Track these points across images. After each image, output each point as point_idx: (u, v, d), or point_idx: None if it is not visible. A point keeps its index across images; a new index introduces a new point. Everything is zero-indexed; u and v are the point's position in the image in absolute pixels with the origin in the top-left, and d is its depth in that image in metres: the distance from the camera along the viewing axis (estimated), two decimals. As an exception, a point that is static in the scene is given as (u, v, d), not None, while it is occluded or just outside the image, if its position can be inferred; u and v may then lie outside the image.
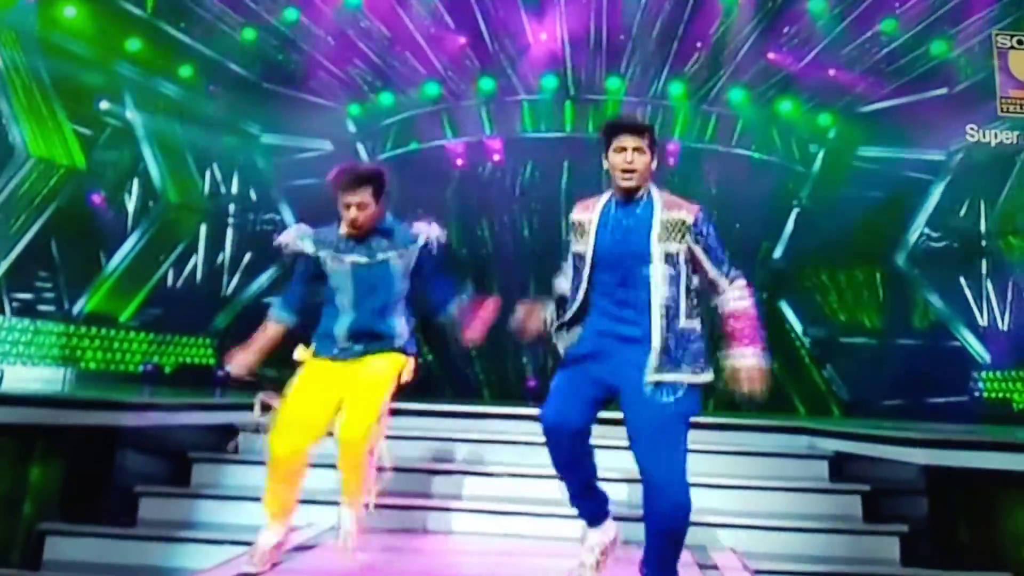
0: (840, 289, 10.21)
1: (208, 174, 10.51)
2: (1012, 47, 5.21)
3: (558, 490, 3.76)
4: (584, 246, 3.33)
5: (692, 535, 4.65)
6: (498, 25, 9.41)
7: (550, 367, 9.69)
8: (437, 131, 9.66)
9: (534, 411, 3.97)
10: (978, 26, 8.52)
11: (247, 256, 10.63)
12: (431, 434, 5.35)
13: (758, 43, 9.41)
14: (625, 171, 3.21)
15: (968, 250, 9.79)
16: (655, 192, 3.26)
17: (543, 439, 3.35)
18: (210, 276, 10.66)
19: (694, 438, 5.39)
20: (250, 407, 5.74)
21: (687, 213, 3.23)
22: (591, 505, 3.57)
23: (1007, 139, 5.41)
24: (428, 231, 3.93)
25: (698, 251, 3.22)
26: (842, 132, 9.88)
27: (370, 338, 3.89)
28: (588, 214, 3.33)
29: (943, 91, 9.18)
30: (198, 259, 10.58)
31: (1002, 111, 5.18)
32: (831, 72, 9.47)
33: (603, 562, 3.51)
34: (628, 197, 3.27)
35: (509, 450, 5.24)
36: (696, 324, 3.24)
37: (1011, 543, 4.24)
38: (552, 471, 3.45)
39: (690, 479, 4.68)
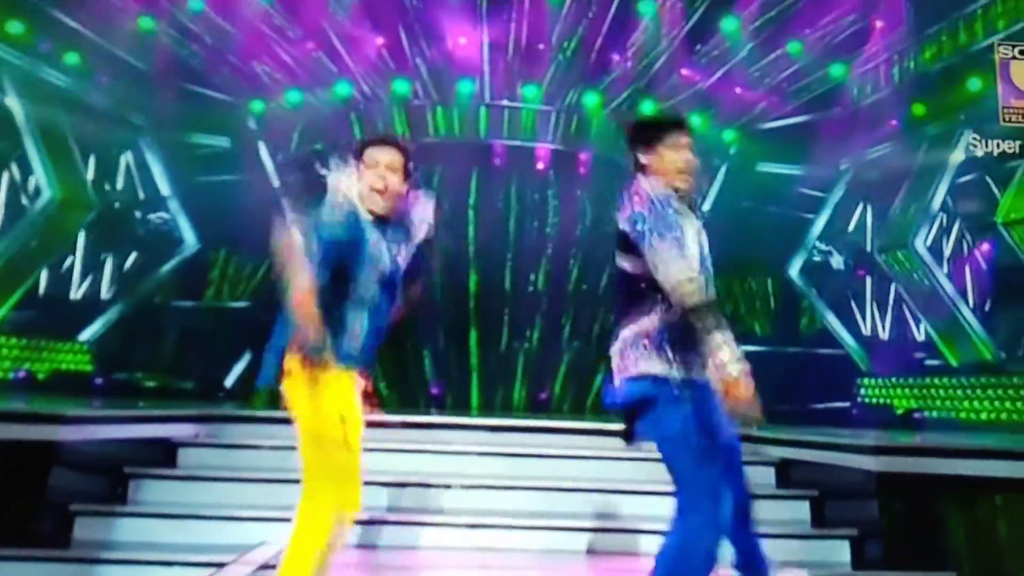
0: (735, 299, 10.64)
1: (94, 169, 9.96)
2: (1014, 57, 5.52)
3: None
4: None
5: (635, 542, 4.82)
6: (417, 28, 9.36)
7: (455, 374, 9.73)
8: (346, 132, 9.47)
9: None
10: (874, 53, 9.16)
11: (131, 257, 10.12)
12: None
13: (672, 58, 9.74)
14: (684, 172, 3.02)
15: (855, 263, 10.45)
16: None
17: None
18: (89, 278, 10.10)
19: (614, 445, 5.53)
20: (185, 419, 5.55)
21: None
22: None
23: (1009, 148, 5.75)
24: (429, 219, 3.35)
25: None
26: (744, 148, 10.37)
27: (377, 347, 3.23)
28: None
29: (838, 111, 9.75)
30: (76, 259, 10.00)
31: (1004, 120, 5.49)
32: (737, 90, 9.92)
33: None
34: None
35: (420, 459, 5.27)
36: None
37: (956, 544, 4.54)
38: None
39: (631, 486, 4.82)
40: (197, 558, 4.41)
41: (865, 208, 10.38)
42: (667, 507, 4.54)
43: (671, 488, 3.82)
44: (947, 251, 10.22)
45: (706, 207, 10.31)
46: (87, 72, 9.46)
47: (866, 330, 10.57)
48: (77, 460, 4.77)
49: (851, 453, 4.89)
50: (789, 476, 5.35)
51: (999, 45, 5.53)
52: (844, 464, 4.89)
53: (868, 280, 10.47)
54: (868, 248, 10.42)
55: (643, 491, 4.93)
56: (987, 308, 9.81)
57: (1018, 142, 5.57)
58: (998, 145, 5.72)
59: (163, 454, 5.22)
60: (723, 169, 10.50)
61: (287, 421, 5.56)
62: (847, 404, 9.82)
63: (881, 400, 9.95)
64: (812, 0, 8.78)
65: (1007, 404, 8.97)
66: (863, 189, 10.08)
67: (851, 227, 10.49)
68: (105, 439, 4.92)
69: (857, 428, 8.22)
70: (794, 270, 10.44)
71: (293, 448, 5.02)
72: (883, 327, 10.60)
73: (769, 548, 4.71)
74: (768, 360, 10.08)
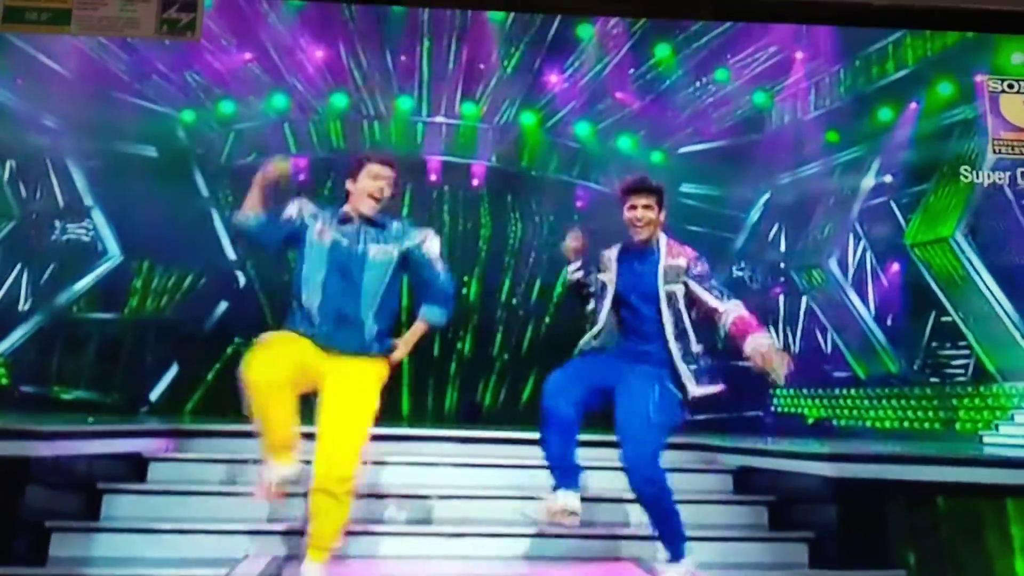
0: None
1: (7, 175, 9.72)
2: (1003, 91, 6.01)
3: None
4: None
5: (591, 549, 5.16)
6: (357, 41, 9.48)
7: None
8: (280, 144, 9.53)
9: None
10: (795, 82, 9.78)
11: (50, 268, 9.90)
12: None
13: (607, 81, 10.16)
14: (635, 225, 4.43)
15: (771, 281, 11.00)
16: (663, 241, 4.28)
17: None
18: (4, 289, 9.82)
19: (594, 455, 5.96)
20: (153, 433, 5.67)
21: (684, 259, 4.31)
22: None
23: (999, 179, 6.26)
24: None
25: (693, 286, 4.21)
26: (669, 168, 10.75)
27: None
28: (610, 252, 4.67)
29: (757, 136, 10.31)
30: (-9, 268, 9.73)
31: (994, 151, 5.97)
32: (667, 113, 10.41)
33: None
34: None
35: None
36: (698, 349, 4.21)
37: (904, 543, 5.02)
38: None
39: (591, 494, 5.28)
40: (171, 571, 4.55)
41: (781, 229, 10.94)
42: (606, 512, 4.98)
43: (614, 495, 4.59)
44: (856, 270, 10.82)
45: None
46: (4, 73, 9.23)
47: (779, 344, 11.12)
48: (50, 476, 4.84)
49: (812, 460, 5.37)
50: (747, 483, 5.89)
51: (988, 79, 6.07)
52: (804, 471, 5.37)
53: (782, 297, 11.01)
54: (782, 266, 10.98)
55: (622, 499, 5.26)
56: (891, 323, 10.46)
57: (1007, 173, 6.14)
58: (988, 176, 6.28)
59: (134, 469, 5.31)
60: (651, 189, 10.88)
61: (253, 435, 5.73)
62: (760, 413, 10.35)
63: (792, 409, 10.50)
64: (742, 30, 9.26)
65: (910, 413, 9.62)
66: (780, 211, 10.67)
67: (768, 247, 11.03)
68: (78, 455, 5.00)
69: (769, 436, 8.77)
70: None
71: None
72: (793, 340, 11.16)
73: (727, 550, 5.16)
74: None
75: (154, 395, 9.56)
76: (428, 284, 4.34)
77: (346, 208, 4.33)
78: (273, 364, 3.94)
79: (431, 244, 4.32)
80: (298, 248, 4.33)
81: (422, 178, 9.95)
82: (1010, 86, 5.98)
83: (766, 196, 10.65)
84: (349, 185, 4.36)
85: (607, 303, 4.40)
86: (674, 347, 4.31)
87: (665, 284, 4.41)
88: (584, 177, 10.56)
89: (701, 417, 9.68)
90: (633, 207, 4.44)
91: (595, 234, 10.14)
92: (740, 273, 10.99)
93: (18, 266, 9.87)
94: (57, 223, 9.99)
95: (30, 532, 4.51)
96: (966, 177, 6.32)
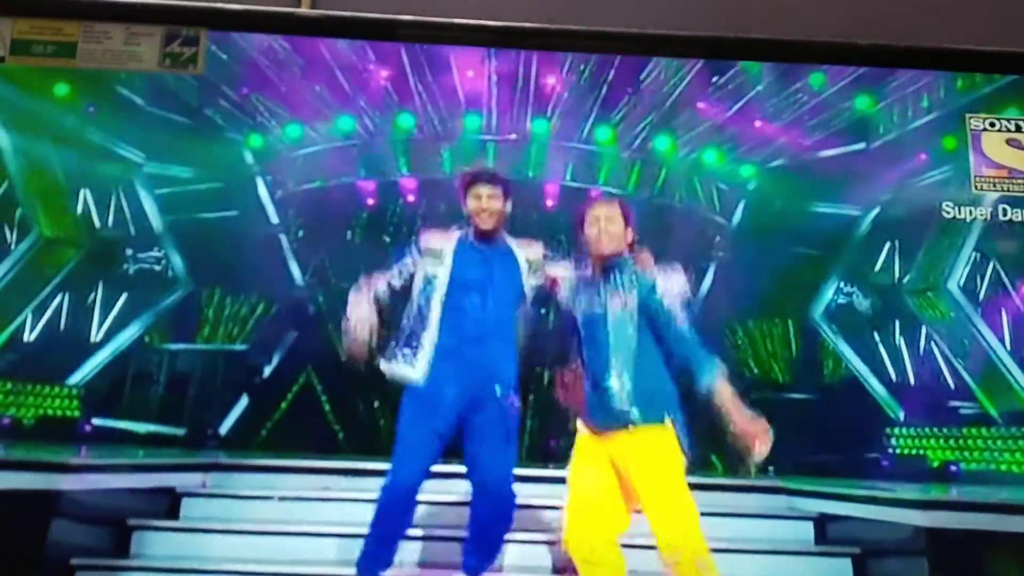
0: (754, 343, 10.91)
1: (83, 205, 10.32)
2: (985, 129, 6.10)
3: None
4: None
5: None
6: (422, 59, 9.71)
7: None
8: (349, 168, 9.87)
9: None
10: (902, 84, 9.49)
11: (122, 297, 10.47)
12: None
13: (686, 91, 10.03)
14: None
15: (883, 305, 10.67)
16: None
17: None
18: (77, 318, 10.41)
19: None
20: (189, 467, 5.91)
21: (537, 247, 4.34)
22: None
23: (981, 215, 6.29)
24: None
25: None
26: (762, 184, 10.67)
27: None
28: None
29: (861, 146, 10.08)
30: (64, 299, 10.33)
31: (976, 189, 6.06)
32: (756, 123, 10.20)
33: None
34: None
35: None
36: None
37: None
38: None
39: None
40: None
41: (893, 247, 10.66)
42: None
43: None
44: (982, 292, 10.43)
45: (722, 245, 10.74)
46: (76, 103, 9.81)
47: (895, 376, 10.80)
48: (77, 511, 5.09)
49: (899, 508, 5.14)
50: (827, 532, 5.74)
51: (970, 118, 6.14)
52: (888, 519, 5.13)
53: (896, 323, 10.70)
54: (896, 288, 10.66)
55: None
56: (1027, 353, 10.01)
57: (989, 209, 6.13)
58: (971, 212, 6.30)
59: (166, 505, 5.57)
60: (740, 206, 10.86)
61: (297, 471, 5.97)
62: (877, 455, 9.95)
63: (914, 451, 10.03)
64: (834, 32, 9.07)
65: (1052, 456, 9.07)
66: (890, 227, 10.40)
67: (877, 267, 10.75)
68: (106, 489, 5.26)
69: (889, 480, 8.46)
70: (817, 312, 10.71)
71: (303, 499, 5.44)
72: (913, 373, 10.82)
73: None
74: (789, 408, 10.19)
75: (224, 428, 9.95)
76: None
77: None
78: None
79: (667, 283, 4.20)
80: None
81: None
82: (992, 124, 6.00)
83: (875, 211, 10.39)
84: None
85: (435, 308, 4.23)
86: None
87: (531, 276, 4.37)
88: (667, 195, 10.59)
89: (810, 459, 9.68)
90: (478, 196, 4.45)
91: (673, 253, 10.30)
92: (845, 298, 10.75)
93: (90, 296, 10.49)
94: (128, 252, 10.53)
95: (54, 570, 4.77)
96: (948, 214, 6.38)
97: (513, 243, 4.29)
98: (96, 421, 9.64)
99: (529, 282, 4.23)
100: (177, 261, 10.36)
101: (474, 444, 4.10)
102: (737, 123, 10.26)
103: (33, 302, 9.92)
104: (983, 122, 6.21)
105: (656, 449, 3.77)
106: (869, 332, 10.71)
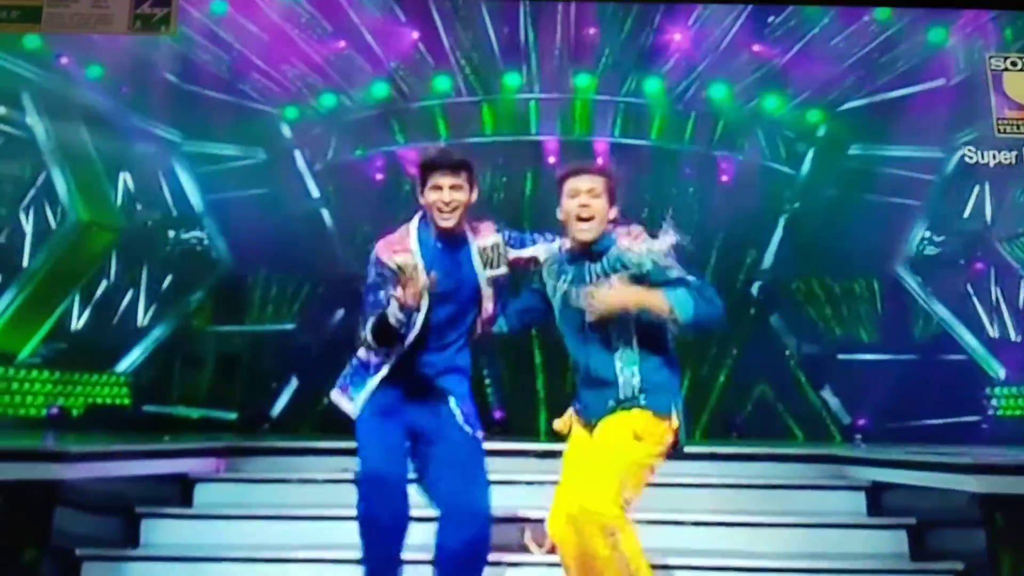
0: (835, 301, 10.57)
1: (122, 187, 10.53)
2: (1007, 69, 5.81)
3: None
4: None
5: None
6: (454, 17, 9.64)
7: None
8: (386, 136, 9.89)
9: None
10: (979, 12, 9.05)
11: (166, 280, 10.67)
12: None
13: (740, 34, 9.79)
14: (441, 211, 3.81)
15: (974, 255, 10.26)
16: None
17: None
18: (123, 304, 10.67)
19: (708, 470, 5.69)
20: (202, 452, 5.91)
21: (492, 233, 3.90)
22: None
23: (1005, 159, 5.99)
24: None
25: (514, 253, 3.91)
26: (832, 130, 10.27)
27: None
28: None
29: (940, 82, 9.66)
30: (108, 284, 10.57)
31: (999, 132, 5.78)
32: (819, 64, 9.85)
33: None
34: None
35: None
36: None
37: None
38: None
39: (705, 516, 5.01)
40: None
41: (982, 191, 10.21)
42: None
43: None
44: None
45: (792, 197, 10.49)
46: (109, 84, 10.00)
47: (993, 332, 10.36)
48: (83, 500, 5.12)
49: (955, 473, 4.74)
50: (881, 502, 5.40)
51: (991, 57, 5.80)
52: (946, 487, 4.77)
53: (991, 274, 10.27)
54: (988, 235, 10.21)
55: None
56: None
57: (1014, 152, 5.79)
58: (994, 156, 5.98)
59: (179, 491, 5.59)
60: (809, 155, 10.49)
61: (315, 452, 5.90)
62: (977, 418, 9.57)
63: (1018, 412, 9.59)
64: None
65: None
66: (979, 169, 9.94)
67: (966, 213, 10.32)
68: (115, 477, 5.29)
69: (990, 445, 8.12)
70: (902, 266, 10.34)
71: (323, 481, 5.39)
72: (1015, 327, 10.35)
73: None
74: (879, 370, 9.99)
75: (275, 411, 10.08)
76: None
77: (565, 244, 3.85)
78: None
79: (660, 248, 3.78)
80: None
81: (539, 162, 9.98)
82: (1013, 64, 5.64)
83: (958, 154, 9.95)
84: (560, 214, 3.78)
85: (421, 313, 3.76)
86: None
87: (488, 269, 3.87)
88: (727, 147, 10.35)
89: (901, 424, 9.36)
90: (438, 187, 3.78)
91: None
92: (931, 248, 10.35)
93: (134, 280, 10.69)
94: (171, 233, 10.72)
95: (59, 561, 4.83)
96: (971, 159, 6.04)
97: (468, 231, 3.84)
98: (147, 408, 9.87)
99: (486, 275, 3.79)
100: (219, 241, 10.47)
101: (437, 463, 3.79)
102: (799, 65, 9.92)
103: (75, 289, 10.17)
104: (1004, 61, 5.89)
105: (607, 436, 3.52)
106: (961, 284, 10.23)
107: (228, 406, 9.92)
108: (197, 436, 7.33)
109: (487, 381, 9.89)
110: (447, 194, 3.71)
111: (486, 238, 3.86)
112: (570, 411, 3.82)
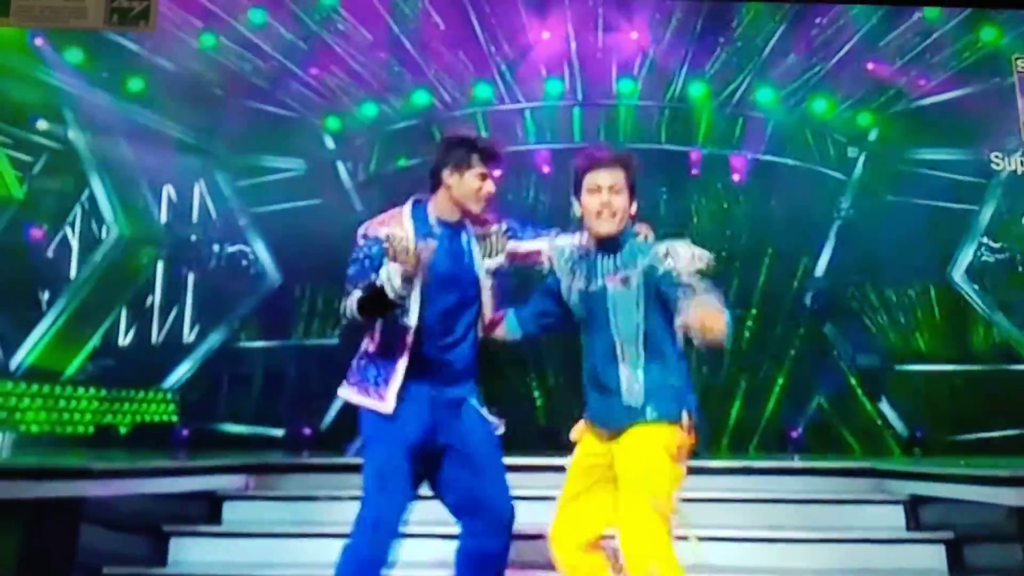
0: (890, 310, 10.21)
1: (164, 201, 10.48)
2: None
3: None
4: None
5: None
6: (494, 24, 9.51)
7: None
8: (428, 145, 9.67)
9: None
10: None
11: (211, 295, 10.55)
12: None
13: (786, 36, 9.63)
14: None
15: (1033, 261, 9.88)
16: None
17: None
18: (168, 319, 10.52)
19: (742, 485, 5.44)
20: (231, 469, 5.69)
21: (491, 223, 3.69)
22: None
23: None
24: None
25: (512, 244, 3.69)
26: (884, 133, 10.01)
27: None
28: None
29: (996, 81, 9.28)
30: (154, 300, 10.45)
31: None
32: (869, 66, 9.68)
33: None
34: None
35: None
36: None
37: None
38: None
39: (740, 532, 4.75)
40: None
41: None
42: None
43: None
44: None
45: (844, 204, 10.12)
46: (152, 98, 9.91)
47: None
48: (111, 518, 4.97)
49: (991, 486, 4.61)
50: (919, 516, 5.26)
51: (1017, 59, 5.46)
52: (982, 500, 4.65)
53: (1050, 280, 9.84)
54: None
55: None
56: None
57: None
58: (1021, 163, 5.65)
59: (207, 509, 5.41)
60: (861, 159, 10.17)
61: (345, 469, 5.68)
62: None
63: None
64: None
65: None
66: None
67: (1025, 219, 9.90)
68: (142, 494, 5.13)
69: None
70: (958, 273, 9.93)
71: (350, 499, 5.13)
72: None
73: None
74: (937, 381, 9.78)
75: (323, 426, 9.88)
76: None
77: (580, 239, 3.62)
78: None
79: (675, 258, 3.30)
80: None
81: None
82: None
83: (1018, 155, 9.53)
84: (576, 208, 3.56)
85: (415, 310, 3.50)
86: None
87: (487, 259, 3.57)
88: (775, 151, 10.01)
89: (960, 437, 8.99)
90: (483, 176, 3.57)
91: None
92: (989, 255, 9.91)
93: (179, 295, 10.58)
94: (215, 247, 10.61)
95: None
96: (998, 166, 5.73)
97: (468, 223, 3.54)
98: (194, 425, 9.72)
99: (484, 265, 3.48)
100: (264, 255, 10.30)
101: (467, 472, 3.48)
102: (847, 67, 9.72)
103: (121, 304, 10.11)
104: None
105: (643, 458, 3.20)
106: (1020, 293, 9.81)
107: (275, 423, 9.73)
108: (238, 453, 7.12)
109: (536, 393, 9.79)
110: (489, 184, 3.49)
111: (486, 228, 3.60)
112: (583, 421, 3.53)
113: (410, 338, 3.43)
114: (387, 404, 3.47)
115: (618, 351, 3.28)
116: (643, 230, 3.46)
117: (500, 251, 3.57)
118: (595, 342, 3.36)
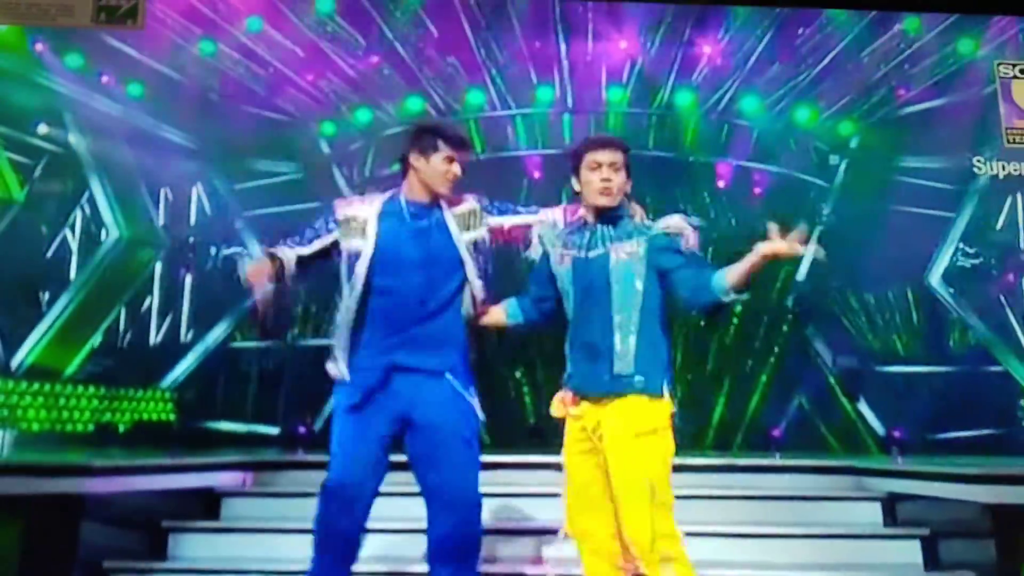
0: (869, 313, 10.36)
1: (163, 204, 10.60)
2: (1015, 76, 5.62)
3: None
4: None
5: None
6: (487, 33, 9.58)
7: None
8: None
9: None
10: (1005, 24, 8.82)
11: (208, 296, 10.64)
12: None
13: (771, 45, 9.75)
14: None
15: (1008, 265, 10.08)
16: None
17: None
18: (166, 319, 10.63)
19: (724, 482, 5.57)
20: (229, 466, 5.77)
21: (471, 201, 3.80)
22: None
23: (1014, 171, 5.81)
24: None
25: (495, 219, 3.82)
26: (865, 141, 10.22)
27: None
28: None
29: (973, 92, 9.41)
30: (153, 300, 10.53)
31: (1008, 142, 5.62)
32: (852, 75, 9.80)
33: None
34: None
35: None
36: None
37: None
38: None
39: (721, 528, 4.86)
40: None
41: (1014, 202, 9.95)
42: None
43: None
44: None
45: (826, 210, 10.29)
46: (151, 102, 9.99)
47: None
48: (110, 514, 5.04)
49: (966, 484, 4.77)
50: (896, 513, 5.36)
51: (999, 65, 5.59)
52: (959, 497, 4.78)
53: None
54: (1022, 246, 10.00)
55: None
56: None
57: None
58: (1003, 167, 5.79)
59: (205, 505, 5.50)
60: (842, 166, 10.37)
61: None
62: (1009, 430, 9.31)
63: (1055, 423, 9.50)
64: (922, -30, 8.57)
65: None
66: (1011, 180, 9.66)
67: (999, 225, 10.07)
68: (141, 491, 5.21)
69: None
70: (935, 277, 10.09)
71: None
72: (1051, 337, 10.06)
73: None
74: (915, 382, 9.95)
75: (318, 425, 9.96)
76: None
77: (574, 212, 3.80)
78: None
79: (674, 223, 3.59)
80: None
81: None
82: (1022, 71, 5.46)
83: (992, 163, 9.67)
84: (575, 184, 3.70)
85: (357, 289, 3.65)
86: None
87: (465, 232, 3.72)
88: (759, 159, 10.20)
89: (936, 436, 9.13)
90: (450, 159, 3.69)
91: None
92: (965, 260, 10.06)
93: (177, 296, 10.68)
94: (212, 249, 10.70)
95: (87, 575, 4.76)
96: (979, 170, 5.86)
97: (443, 202, 3.65)
98: (191, 424, 9.79)
99: (464, 239, 3.58)
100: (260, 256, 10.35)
101: (428, 449, 3.53)
102: (830, 76, 9.89)
103: (120, 305, 10.16)
104: (1013, 69, 5.72)
105: (637, 452, 3.30)
106: (995, 295, 9.99)
107: (271, 421, 9.80)
108: (233, 450, 7.20)
109: (525, 389, 9.89)
110: (455, 166, 3.65)
111: (462, 205, 3.73)
112: (561, 392, 3.62)
113: (364, 310, 3.57)
114: (342, 371, 3.62)
115: (615, 318, 3.41)
116: (636, 211, 3.62)
117: (477, 224, 3.70)
118: (591, 309, 3.47)
